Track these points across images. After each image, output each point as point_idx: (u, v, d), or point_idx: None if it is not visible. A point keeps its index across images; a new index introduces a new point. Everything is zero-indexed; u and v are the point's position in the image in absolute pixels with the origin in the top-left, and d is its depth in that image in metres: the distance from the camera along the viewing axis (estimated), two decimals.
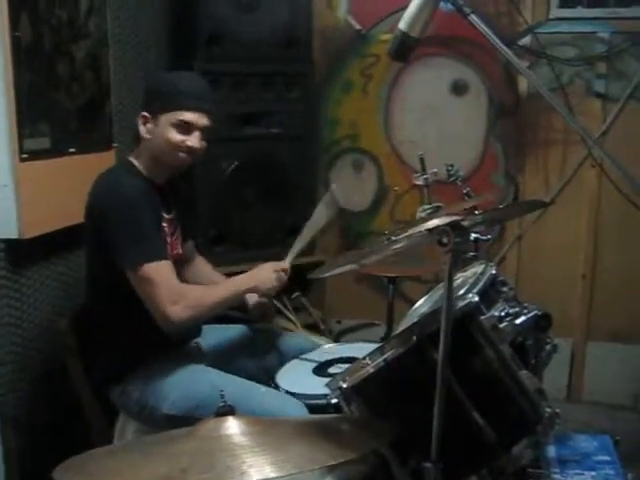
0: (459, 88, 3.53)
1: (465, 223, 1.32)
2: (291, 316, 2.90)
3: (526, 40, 3.42)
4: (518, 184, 3.52)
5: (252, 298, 2.33)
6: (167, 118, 2.03)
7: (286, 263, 2.21)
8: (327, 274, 1.76)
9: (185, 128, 2.04)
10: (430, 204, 1.97)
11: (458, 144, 3.53)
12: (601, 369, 3.57)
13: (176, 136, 2.03)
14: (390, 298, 2.63)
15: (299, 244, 2.27)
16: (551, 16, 3.40)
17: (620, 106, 3.38)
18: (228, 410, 1.35)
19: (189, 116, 2.03)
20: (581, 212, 3.47)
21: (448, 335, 1.36)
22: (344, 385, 1.59)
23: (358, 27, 3.56)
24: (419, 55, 3.46)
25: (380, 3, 3.50)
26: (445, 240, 1.28)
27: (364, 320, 3.60)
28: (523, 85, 3.42)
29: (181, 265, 2.25)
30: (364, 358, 1.60)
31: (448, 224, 1.27)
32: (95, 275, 2.12)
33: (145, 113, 2.06)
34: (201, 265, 2.45)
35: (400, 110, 3.61)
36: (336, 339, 3.68)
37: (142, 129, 2.07)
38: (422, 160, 2.06)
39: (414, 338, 1.53)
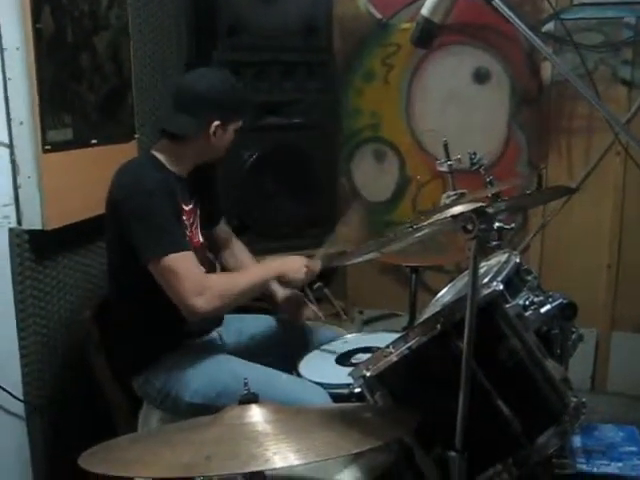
0: (481, 76, 3.49)
1: (490, 210, 1.31)
2: (313, 307, 2.90)
3: (550, 26, 3.37)
4: (541, 172, 3.48)
5: (280, 291, 2.33)
6: (234, 126, 2.13)
7: (317, 264, 2.20)
8: (348, 262, 1.74)
9: None
10: (454, 191, 1.95)
11: (480, 133, 3.49)
12: (626, 360, 3.53)
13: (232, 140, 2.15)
14: (413, 288, 2.61)
15: (328, 251, 2.25)
16: (576, 1, 3.34)
17: None
18: (252, 398, 1.36)
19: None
20: (606, 201, 3.42)
21: (473, 323, 1.34)
22: (367, 374, 1.59)
23: (379, 16, 3.54)
24: (440, 43, 3.45)
25: None
26: (470, 227, 1.27)
27: (386, 310, 3.59)
28: (546, 72, 3.37)
29: (218, 248, 2.37)
30: (387, 347, 1.59)
31: (473, 210, 1.25)
32: (117, 266, 2.13)
33: (218, 122, 2.07)
34: (236, 248, 2.46)
35: (422, 99, 3.58)
36: (358, 329, 3.68)
37: (212, 138, 2.09)
38: (446, 146, 2.04)
39: (438, 326, 1.52)
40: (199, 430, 1.37)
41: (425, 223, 1.44)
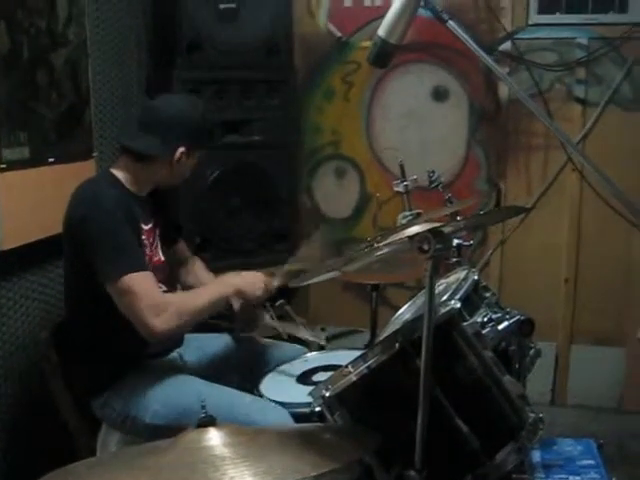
0: (440, 94, 3.54)
1: (445, 229, 1.32)
2: (275, 324, 2.88)
3: (506, 46, 3.44)
4: (500, 189, 3.54)
5: (238, 302, 2.32)
6: (198, 152, 2.15)
7: (274, 282, 2.20)
8: (307, 282, 1.75)
9: None
10: (410, 211, 1.97)
11: (440, 150, 3.55)
12: (585, 372, 3.58)
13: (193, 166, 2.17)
14: (373, 305, 2.62)
15: (286, 271, 2.25)
16: (530, 22, 3.42)
17: (599, 111, 3.40)
18: (209, 421, 1.34)
19: None
20: (563, 216, 3.49)
21: (430, 342, 1.35)
22: (327, 394, 1.58)
23: (338, 34, 3.57)
24: (400, 62, 3.50)
25: (360, 10, 3.51)
26: (426, 247, 1.28)
27: (349, 327, 3.59)
28: (504, 91, 3.44)
29: (177, 267, 2.35)
30: (346, 366, 1.59)
31: (428, 231, 1.26)
32: (74, 286, 2.10)
33: (184, 149, 2.08)
34: (196, 266, 2.44)
35: (382, 117, 3.61)
36: (321, 346, 3.68)
37: (176, 163, 2.09)
38: (402, 167, 2.06)
39: (397, 345, 1.52)
40: (157, 454, 1.35)
41: (382, 244, 1.46)
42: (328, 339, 3.68)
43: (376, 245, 1.45)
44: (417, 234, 1.28)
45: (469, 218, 1.67)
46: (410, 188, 1.78)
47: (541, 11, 3.40)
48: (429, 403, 1.41)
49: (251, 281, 2.14)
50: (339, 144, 3.67)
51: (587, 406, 3.54)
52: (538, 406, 3.52)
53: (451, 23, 1.60)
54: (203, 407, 1.37)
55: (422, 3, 1.64)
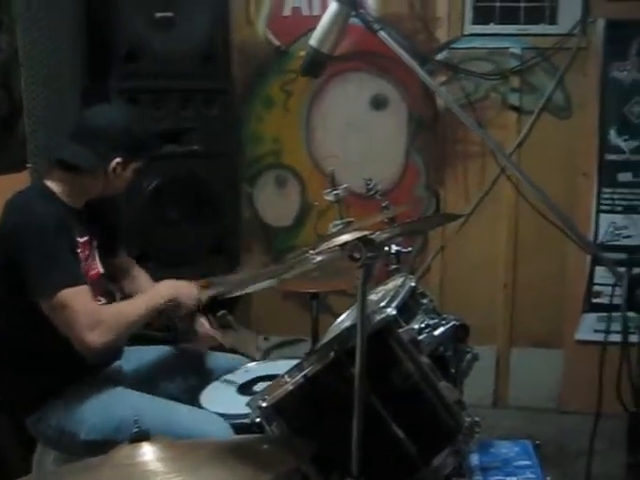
0: (379, 103, 3.57)
1: (376, 237, 1.33)
2: (217, 335, 2.85)
3: (443, 55, 3.50)
4: (439, 196, 3.59)
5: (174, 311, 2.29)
6: (135, 165, 2.11)
7: (204, 295, 2.18)
8: (242, 292, 1.74)
9: None
10: (342, 219, 1.98)
11: (380, 158, 3.58)
12: (525, 374, 3.66)
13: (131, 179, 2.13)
14: (314, 314, 2.63)
15: (224, 287, 2.24)
16: (465, 32, 3.49)
17: (534, 118, 3.49)
18: (143, 435, 1.32)
19: None
20: (500, 222, 3.56)
21: (363, 350, 1.36)
22: (263, 404, 1.58)
23: (277, 43, 3.57)
24: (339, 71, 3.53)
25: (299, 19, 3.52)
26: (357, 255, 1.28)
27: (291, 336, 3.59)
28: (441, 99, 3.49)
29: (120, 278, 2.33)
30: (283, 376, 1.58)
31: (359, 239, 1.27)
32: (6, 300, 2.05)
33: (120, 160, 2.04)
34: (138, 276, 2.41)
35: (321, 125, 3.63)
36: (264, 356, 3.67)
37: (111, 175, 2.06)
38: (332, 176, 2.07)
39: (332, 354, 1.53)
40: (90, 472, 1.32)
41: (313, 252, 1.46)
42: (270, 349, 3.71)
43: (308, 254, 1.45)
44: (348, 243, 1.29)
45: (401, 225, 1.68)
46: (341, 197, 1.79)
47: (476, 22, 3.48)
48: (364, 410, 1.42)
49: (185, 290, 2.12)
50: (279, 153, 3.67)
51: (527, 407, 3.61)
52: (480, 409, 3.59)
53: (382, 33, 1.61)
54: (136, 422, 1.35)
55: (353, 13, 1.65)
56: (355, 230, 1.42)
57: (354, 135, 3.59)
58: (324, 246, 1.44)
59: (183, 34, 3.11)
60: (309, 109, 3.62)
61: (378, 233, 1.38)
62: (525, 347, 3.65)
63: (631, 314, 1.45)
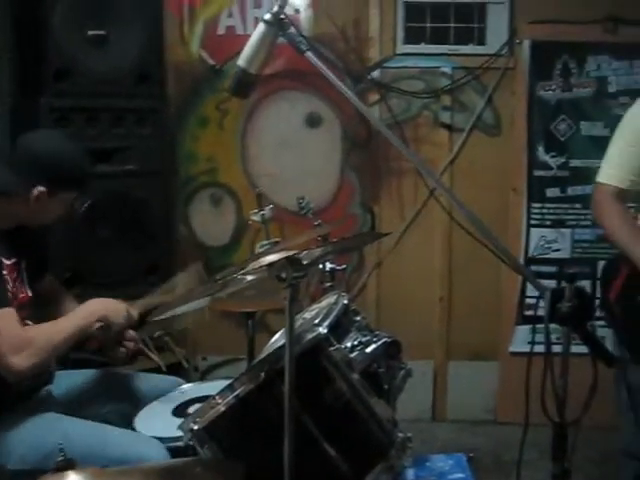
0: (313, 121, 3.60)
1: (302, 257, 1.34)
2: (153, 356, 2.81)
3: (376, 74, 3.56)
4: (374, 213, 3.63)
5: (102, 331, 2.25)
6: (66, 196, 2.07)
7: (135, 311, 2.15)
8: (173, 313, 1.72)
9: None
10: (268, 239, 1.98)
11: (315, 176, 3.60)
12: (462, 387, 3.72)
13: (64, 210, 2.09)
14: (250, 333, 2.62)
15: (151, 300, 2.22)
16: (398, 52, 3.55)
17: (465, 136, 3.57)
18: (68, 464, 1.29)
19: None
20: (435, 237, 3.62)
21: (292, 369, 1.36)
22: (195, 427, 1.56)
23: (212, 62, 3.56)
24: (273, 89, 3.54)
25: (233, 38, 3.52)
26: (283, 275, 1.29)
27: (230, 356, 3.56)
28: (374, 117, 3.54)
29: (48, 301, 2.25)
30: (214, 397, 1.57)
31: (286, 259, 1.28)
32: None
33: (43, 189, 1.99)
34: (64, 300, 2.35)
35: (256, 144, 3.63)
36: (202, 376, 3.63)
37: (34, 203, 1.99)
38: (259, 196, 2.08)
39: (263, 374, 1.53)
40: None
41: (239, 273, 1.46)
42: (208, 369, 3.67)
43: (234, 275, 1.45)
44: (275, 262, 1.29)
45: (327, 245, 1.69)
46: (267, 217, 1.80)
47: (407, 41, 3.55)
48: (296, 430, 1.42)
49: (113, 308, 2.09)
50: (215, 172, 3.66)
51: (465, 420, 3.67)
52: (419, 423, 3.64)
53: (309, 54, 1.63)
54: (61, 449, 1.32)
55: (280, 33, 1.67)
56: (281, 250, 1.43)
57: (289, 153, 3.61)
58: (251, 266, 1.44)
59: (116, 53, 3.08)
60: (244, 128, 3.62)
61: (304, 252, 1.39)
62: (462, 360, 3.71)
63: (554, 326, 1.49)
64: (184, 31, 3.59)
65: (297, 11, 3.51)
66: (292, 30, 1.71)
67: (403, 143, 3.34)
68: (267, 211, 1.67)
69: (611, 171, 2.19)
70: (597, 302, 2.25)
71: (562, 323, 1.47)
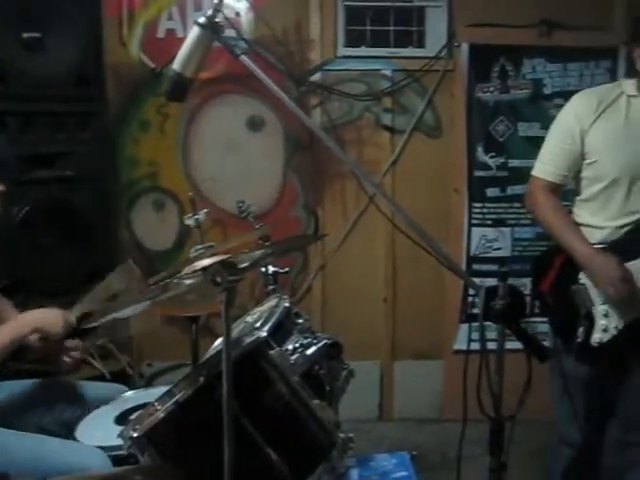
0: (256, 124, 3.60)
1: (237, 260, 1.34)
2: (97, 364, 2.78)
3: (317, 77, 3.57)
4: (318, 216, 3.65)
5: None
6: None
7: (72, 317, 2.12)
8: (112, 317, 1.70)
9: None
10: (202, 244, 1.97)
11: (257, 179, 3.60)
12: (408, 386, 3.76)
13: None
14: (194, 337, 2.59)
15: (89, 303, 2.18)
16: (339, 55, 3.58)
17: (406, 137, 3.62)
18: (1, 478, 1.27)
19: None
20: (378, 239, 3.65)
21: (230, 374, 1.36)
22: (134, 434, 1.54)
23: (152, 65, 3.53)
24: (215, 93, 3.53)
25: (173, 41, 3.49)
26: (218, 279, 1.29)
27: (176, 361, 3.53)
28: (316, 120, 3.55)
29: None
30: (153, 403, 1.56)
31: (220, 263, 1.28)
32: None
33: None
34: (5, 310, 2.30)
35: (199, 148, 3.61)
36: (148, 382, 3.59)
37: None
38: (193, 201, 2.07)
39: (202, 379, 1.52)
40: None
41: (174, 278, 1.45)
42: (154, 375, 3.63)
43: (170, 280, 1.44)
44: (209, 266, 1.29)
45: (262, 248, 1.70)
46: (201, 221, 1.79)
47: (348, 44, 3.58)
48: (235, 434, 1.41)
49: (49, 318, 2.05)
50: (157, 176, 3.62)
51: (412, 418, 3.71)
52: (366, 423, 3.67)
53: (244, 57, 1.63)
54: None
55: (215, 37, 1.66)
56: (214, 254, 1.43)
57: (231, 157, 3.59)
58: (186, 270, 1.44)
59: (53, 55, 3.02)
60: (186, 131, 3.59)
61: (237, 256, 1.39)
62: (407, 360, 3.75)
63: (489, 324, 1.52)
64: (123, 34, 3.54)
65: (238, 14, 3.50)
66: (229, 33, 1.71)
67: (344, 146, 3.49)
68: (201, 215, 1.66)
69: (545, 166, 2.26)
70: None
71: (496, 321, 1.50)
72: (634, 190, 2.12)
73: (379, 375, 3.75)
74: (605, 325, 2.12)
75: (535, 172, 2.29)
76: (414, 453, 2.18)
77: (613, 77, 3.55)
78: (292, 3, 3.54)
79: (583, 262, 2.13)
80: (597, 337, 2.12)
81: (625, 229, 2.14)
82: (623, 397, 2.26)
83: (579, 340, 2.13)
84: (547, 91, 3.58)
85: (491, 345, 1.53)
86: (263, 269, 2.38)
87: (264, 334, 1.63)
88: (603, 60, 3.57)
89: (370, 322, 3.69)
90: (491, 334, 1.53)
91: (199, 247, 1.81)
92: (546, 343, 2.35)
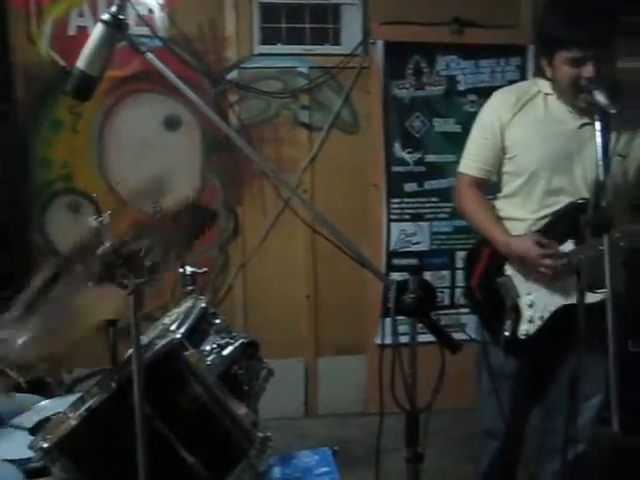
0: (172, 123, 3.55)
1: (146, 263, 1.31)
2: (12, 373, 2.67)
3: (234, 75, 3.55)
4: (237, 214, 3.63)
5: None
6: None
7: None
8: None
9: None
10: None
11: (176, 179, 3.55)
12: (333, 382, 3.78)
13: None
14: (112, 341, 2.53)
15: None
16: (255, 52, 3.57)
17: (324, 134, 3.64)
18: None
19: None
20: (298, 236, 3.66)
21: (141, 378, 1.34)
22: (45, 444, 1.50)
23: (62, 63, 3.42)
24: (130, 91, 3.46)
25: (84, 38, 3.31)
26: (125, 282, 1.26)
27: (96, 367, 3.44)
28: (234, 118, 3.53)
29: None
30: (64, 411, 1.52)
31: (126, 266, 1.25)
32: None
33: None
34: None
35: (114, 147, 3.53)
36: (68, 390, 3.49)
37: None
38: (96, 202, 2.01)
39: (114, 384, 1.49)
40: None
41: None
42: (74, 382, 3.53)
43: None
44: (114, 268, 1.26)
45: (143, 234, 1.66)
46: (105, 223, 1.75)
47: (264, 42, 3.57)
48: (150, 438, 1.39)
49: None
50: (71, 177, 3.52)
51: (337, 414, 3.75)
52: (293, 420, 3.67)
53: (150, 55, 1.60)
54: None
55: (119, 35, 1.63)
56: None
57: (148, 156, 3.53)
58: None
59: None
60: (100, 131, 3.51)
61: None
62: (331, 356, 3.78)
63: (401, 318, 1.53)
64: (32, 31, 3.43)
65: (151, 11, 3.44)
66: (142, 31, 1.67)
67: (262, 144, 3.48)
68: (104, 217, 1.62)
69: (469, 161, 2.31)
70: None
71: (407, 314, 1.52)
72: (552, 183, 2.17)
73: (304, 372, 3.76)
74: (530, 316, 2.14)
75: (460, 168, 2.34)
76: (336, 448, 2.18)
77: (522, 73, 3.67)
78: (207, 0, 3.51)
79: (505, 251, 2.17)
80: (524, 329, 2.15)
81: (545, 220, 2.19)
82: (549, 386, 2.31)
83: (507, 333, 2.15)
84: (461, 87, 3.67)
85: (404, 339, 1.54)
86: (181, 270, 2.34)
87: (178, 336, 1.60)
88: (513, 57, 3.69)
89: (293, 320, 3.70)
90: (404, 328, 1.55)
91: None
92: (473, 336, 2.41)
